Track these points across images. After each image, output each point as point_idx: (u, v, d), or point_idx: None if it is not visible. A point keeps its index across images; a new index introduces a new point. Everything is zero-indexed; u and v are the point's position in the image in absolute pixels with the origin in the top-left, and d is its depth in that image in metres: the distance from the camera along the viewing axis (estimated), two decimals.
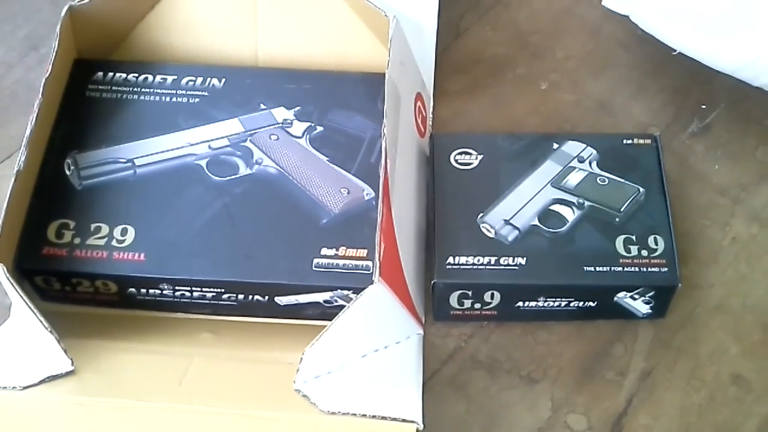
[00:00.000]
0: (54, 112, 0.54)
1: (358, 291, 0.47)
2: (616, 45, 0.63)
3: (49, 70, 0.52)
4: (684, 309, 0.53)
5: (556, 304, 0.51)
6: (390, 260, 0.47)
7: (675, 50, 0.57)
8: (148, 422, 0.42)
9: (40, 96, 0.51)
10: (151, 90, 0.56)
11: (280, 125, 0.54)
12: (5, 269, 0.45)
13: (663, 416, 0.49)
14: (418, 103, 0.57)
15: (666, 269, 0.50)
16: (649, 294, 0.50)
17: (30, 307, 0.44)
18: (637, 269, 0.50)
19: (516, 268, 0.50)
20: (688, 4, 0.55)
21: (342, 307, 0.47)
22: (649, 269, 0.50)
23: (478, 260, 0.50)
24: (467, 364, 0.51)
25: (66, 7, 0.54)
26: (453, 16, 0.65)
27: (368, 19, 0.57)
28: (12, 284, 0.44)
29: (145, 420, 0.42)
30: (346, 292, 0.48)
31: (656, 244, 0.51)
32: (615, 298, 0.51)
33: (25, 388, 0.43)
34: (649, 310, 0.52)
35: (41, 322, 0.44)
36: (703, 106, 0.60)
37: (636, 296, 0.51)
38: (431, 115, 0.60)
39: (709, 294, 0.53)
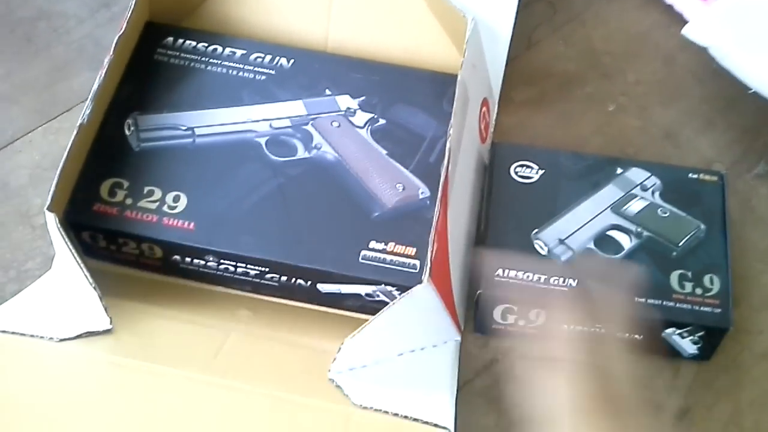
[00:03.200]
0: (121, 72, 0.54)
1: (402, 288, 0.46)
2: (689, 76, 0.62)
3: (123, 28, 0.52)
4: (730, 352, 0.51)
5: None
6: (440, 262, 0.46)
7: (750, 89, 0.56)
8: (180, 390, 0.42)
9: (111, 53, 0.51)
10: (219, 61, 0.56)
11: (343, 113, 0.54)
12: (57, 220, 0.44)
13: None
14: (484, 109, 0.56)
15: (719, 310, 0.49)
16: (699, 334, 0.49)
17: (77, 260, 0.44)
18: (689, 306, 0.49)
19: (566, 289, 0.49)
20: None
21: (383, 302, 0.47)
22: (702, 308, 0.49)
23: (528, 276, 0.49)
24: (502, 378, 0.50)
25: None
26: (527, 26, 0.64)
27: (444, 18, 0.56)
28: (61, 234, 0.44)
29: (177, 387, 0.42)
30: (390, 288, 0.48)
31: (712, 283, 0.49)
32: (663, 334, 0.49)
33: (61, 340, 0.43)
34: (696, 351, 0.50)
35: (86, 276, 0.44)
36: None
37: (685, 334, 0.49)
38: (494, 123, 0.59)
39: (757, 340, 0.52)
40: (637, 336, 0.50)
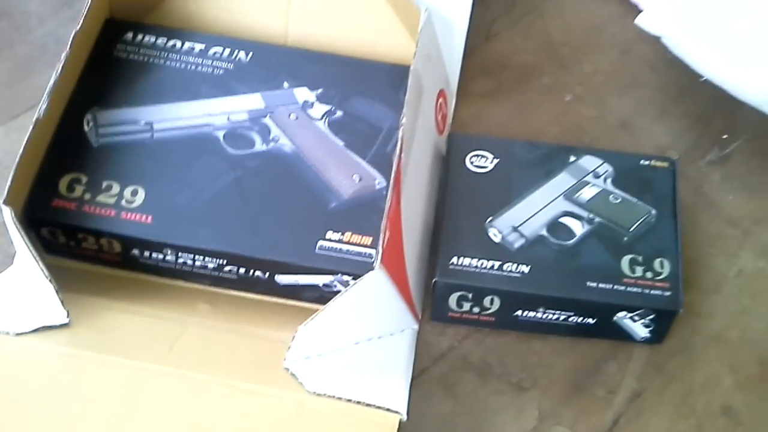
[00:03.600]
0: (80, 68, 0.54)
1: (358, 278, 0.47)
2: (644, 66, 0.63)
3: (80, 24, 0.52)
4: (681, 335, 0.52)
5: (555, 317, 0.51)
6: (393, 250, 0.47)
7: (703, 77, 0.57)
8: (135, 381, 0.42)
9: (67, 48, 0.51)
10: (178, 57, 0.56)
11: (301, 106, 0.55)
12: (13, 214, 0.45)
13: None
14: (440, 100, 0.57)
15: (669, 293, 0.50)
16: (650, 317, 0.50)
17: (33, 254, 0.44)
18: (640, 290, 0.50)
19: (519, 275, 0.50)
20: (722, 31, 0.54)
21: (340, 292, 0.47)
22: (652, 291, 0.50)
23: (482, 264, 0.50)
24: (458, 365, 0.51)
25: None
26: (485, 19, 0.65)
27: (401, 11, 0.57)
28: (18, 229, 0.45)
29: (132, 378, 0.42)
30: (346, 277, 0.48)
31: (662, 267, 0.50)
32: (615, 318, 0.50)
33: (18, 334, 0.44)
34: (648, 335, 0.51)
35: (42, 269, 0.44)
36: (725, 136, 0.60)
37: (636, 318, 0.50)
38: (452, 114, 0.60)
39: (708, 323, 0.53)
40: (590, 320, 0.51)
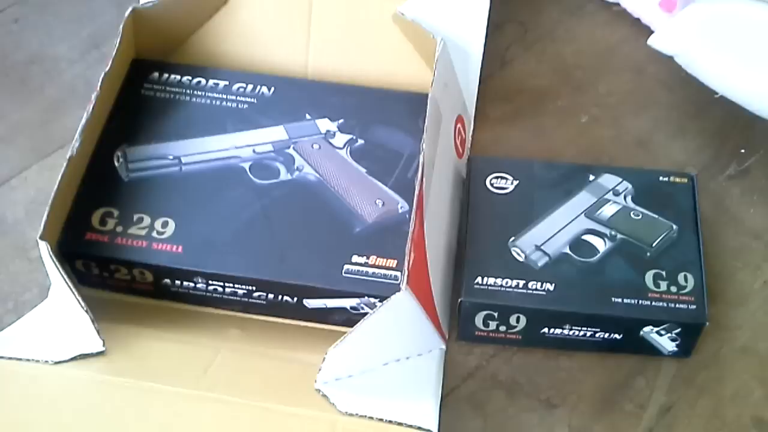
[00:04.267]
0: (109, 107, 0.56)
1: (384, 299, 0.48)
2: (658, 85, 0.64)
3: (109, 66, 0.54)
4: (709, 349, 0.52)
5: (581, 333, 0.51)
6: (418, 271, 0.48)
7: (717, 93, 0.58)
8: (171, 405, 0.43)
9: (97, 89, 0.53)
10: (203, 93, 0.58)
11: (323, 136, 0.56)
12: (49, 248, 0.46)
13: None
14: (459, 125, 0.58)
15: (694, 306, 0.50)
16: (676, 331, 0.50)
17: (68, 285, 0.46)
18: (665, 304, 0.50)
19: (543, 293, 0.50)
20: (735, 46, 0.55)
21: (368, 314, 0.48)
22: (677, 305, 0.50)
23: (507, 283, 0.51)
24: (487, 384, 0.51)
25: (130, 9, 0.57)
26: (500, 46, 0.66)
27: (417, 41, 0.59)
28: (54, 262, 0.46)
29: (167, 403, 0.43)
30: (373, 300, 0.49)
31: (686, 281, 0.51)
32: (641, 333, 0.51)
33: (56, 363, 0.45)
34: (675, 348, 0.52)
35: (77, 300, 0.46)
36: (742, 151, 0.61)
37: (662, 332, 0.51)
38: (470, 138, 0.61)
39: (735, 335, 0.53)
40: (616, 336, 0.51)
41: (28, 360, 0.45)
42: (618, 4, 0.68)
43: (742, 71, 0.56)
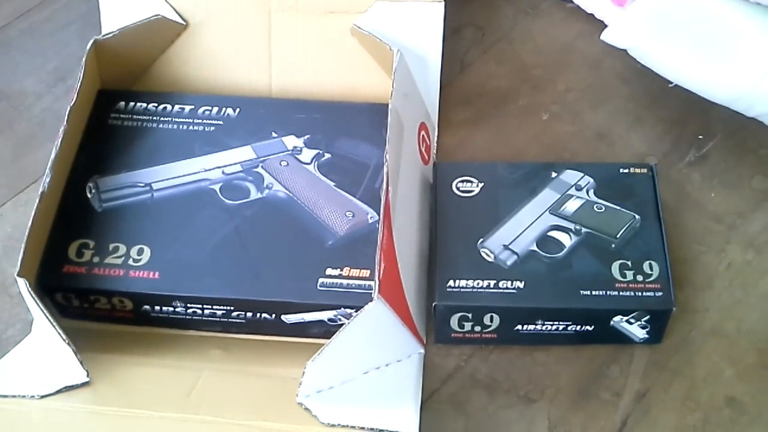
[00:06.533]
0: (78, 139, 0.57)
1: (360, 309, 0.49)
2: (615, 78, 0.66)
3: (74, 99, 0.55)
4: (679, 333, 0.54)
5: (554, 327, 0.53)
6: (390, 279, 0.49)
7: (672, 83, 0.59)
8: (158, 430, 0.44)
9: (64, 123, 0.54)
10: (170, 119, 0.59)
11: (290, 152, 0.57)
12: (28, 284, 0.47)
13: None
14: (422, 132, 0.60)
15: (661, 293, 0.51)
16: (645, 318, 0.52)
17: (49, 320, 0.47)
18: (632, 293, 0.51)
19: (514, 291, 0.52)
20: (686, 35, 0.57)
21: (343, 325, 0.49)
22: (645, 293, 0.51)
23: (478, 284, 0.52)
24: (467, 384, 0.53)
25: (91, 41, 0.58)
26: (458, 50, 0.67)
27: (376, 53, 0.60)
28: (34, 298, 0.47)
29: (155, 428, 0.44)
30: (349, 310, 0.50)
31: (651, 269, 0.52)
32: (612, 322, 0.52)
33: (42, 397, 0.46)
34: (646, 335, 0.53)
35: (59, 334, 0.47)
36: (700, 137, 0.62)
37: (632, 320, 0.52)
38: (435, 144, 0.62)
39: (704, 318, 0.55)
40: (588, 327, 0.53)
41: (14, 396, 0.46)
42: (572, 2, 0.70)
43: (693, 60, 0.57)
